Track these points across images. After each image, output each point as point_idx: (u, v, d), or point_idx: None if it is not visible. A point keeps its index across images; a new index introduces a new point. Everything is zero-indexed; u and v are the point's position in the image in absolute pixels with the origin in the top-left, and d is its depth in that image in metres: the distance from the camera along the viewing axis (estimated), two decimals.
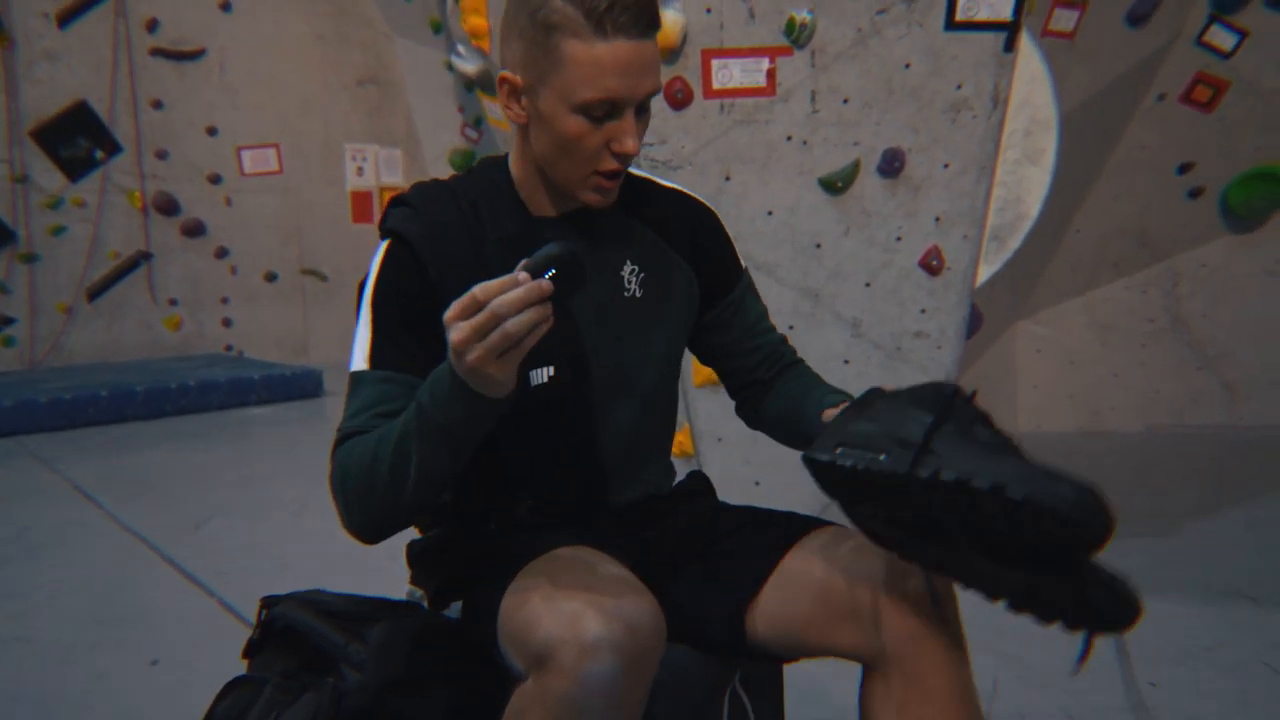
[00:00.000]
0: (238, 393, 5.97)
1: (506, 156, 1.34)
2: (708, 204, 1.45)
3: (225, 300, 7.45)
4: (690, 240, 1.40)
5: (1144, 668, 2.26)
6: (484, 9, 2.99)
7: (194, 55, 7.24)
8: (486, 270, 1.21)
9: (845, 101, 2.58)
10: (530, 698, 1.06)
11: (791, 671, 1.53)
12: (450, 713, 1.25)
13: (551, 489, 1.32)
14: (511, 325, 0.95)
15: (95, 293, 6.92)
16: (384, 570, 2.04)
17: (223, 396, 5.91)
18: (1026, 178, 2.68)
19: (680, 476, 1.50)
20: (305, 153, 7.69)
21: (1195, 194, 4.43)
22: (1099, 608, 1.00)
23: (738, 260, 1.46)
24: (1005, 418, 4.62)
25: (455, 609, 1.35)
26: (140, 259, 7.07)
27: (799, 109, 2.60)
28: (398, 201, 1.32)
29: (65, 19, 6.73)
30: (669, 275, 1.37)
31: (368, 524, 1.14)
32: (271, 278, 7.60)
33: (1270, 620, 2.52)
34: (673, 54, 2.55)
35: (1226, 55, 4.14)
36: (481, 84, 3.16)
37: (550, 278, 0.97)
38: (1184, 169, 4.37)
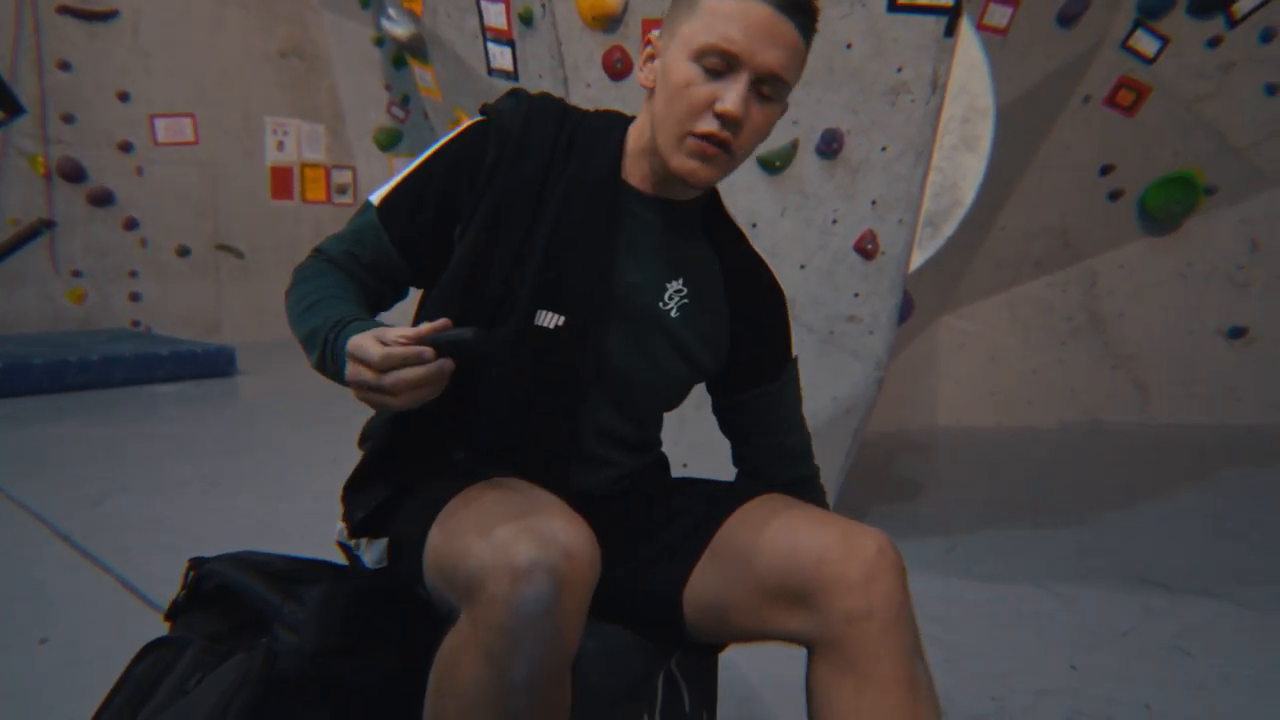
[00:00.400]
0: (144, 368, 5.73)
1: (633, 118, 1.32)
2: (780, 286, 1.40)
3: (134, 274, 7.16)
4: (748, 299, 1.35)
5: (1065, 652, 2.28)
6: None
7: (106, 16, 6.94)
8: (539, 195, 1.23)
9: None
10: (462, 636, 1.00)
11: (725, 653, 1.49)
12: (388, 679, 1.18)
13: (513, 441, 1.26)
14: (391, 387, 0.96)
15: None
16: (298, 546, 1.95)
17: (128, 372, 5.66)
18: (962, 164, 2.69)
19: None
20: (223, 124, 7.44)
21: (1115, 196, 4.53)
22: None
23: (789, 349, 1.41)
24: (927, 413, 4.67)
25: (378, 552, 1.26)
26: (42, 227, 6.75)
27: None
28: (516, 93, 1.31)
29: None
30: (711, 320, 1.33)
31: None
32: (184, 252, 7.33)
33: (1183, 606, 2.57)
34: (612, 22, 2.49)
35: (1149, 61, 4.23)
36: (412, 48, 3.06)
37: (456, 360, 0.98)
38: (1105, 171, 4.46)
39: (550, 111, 1.27)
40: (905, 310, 2.87)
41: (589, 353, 1.25)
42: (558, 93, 2.50)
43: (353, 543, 1.28)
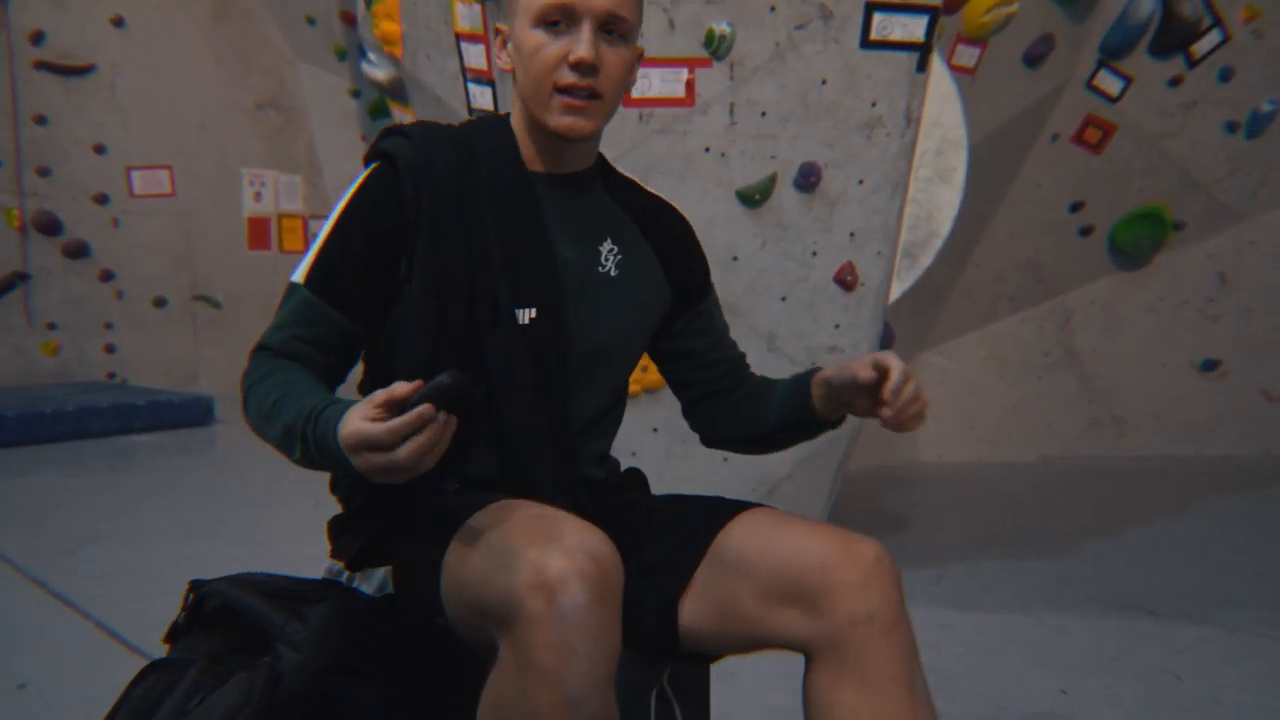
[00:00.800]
0: (120, 419, 5.67)
1: (509, 115, 1.35)
2: (684, 215, 1.47)
3: (109, 326, 7.10)
4: (666, 244, 1.41)
5: (1053, 677, 2.28)
6: (396, 14, 2.93)
7: (83, 71, 6.96)
8: (467, 209, 1.25)
9: (763, 114, 2.60)
10: (507, 668, 0.99)
11: (718, 670, 1.49)
12: (390, 700, 1.17)
13: (519, 450, 1.28)
14: (406, 461, 0.96)
15: None
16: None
17: (104, 423, 5.60)
18: (938, 196, 2.74)
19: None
20: (200, 176, 7.44)
21: (1086, 232, 4.61)
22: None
23: (708, 274, 1.47)
24: (908, 448, 4.69)
25: (376, 582, 1.25)
26: (16, 280, 6.71)
27: (717, 120, 2.60)
28: (393, 131, 1.31)
29: None
30: (644, 266, 1.38)
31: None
32: (161, 303, 7.29)
33: (1169, 631, 2.58)
34: None
35: (1114, 100, 4.33)
36: (392, 92, 3.09)
37: (450, 410, 0.98)
38: (1075, 207, 4.54)
39: (439, 132, 1.31)
40: (886, 341, 2.91)
41: (568, 335, 1.29)
42: None
43: (346, 575, 1.27)
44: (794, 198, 2.66)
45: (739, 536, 1.23)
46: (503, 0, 1.28)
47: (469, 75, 2.73)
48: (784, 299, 2.70)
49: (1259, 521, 3.73)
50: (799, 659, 1.19)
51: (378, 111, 7.27)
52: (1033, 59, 3.99)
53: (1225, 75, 4.36)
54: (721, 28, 2.54)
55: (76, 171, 6.91)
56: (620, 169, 1.44)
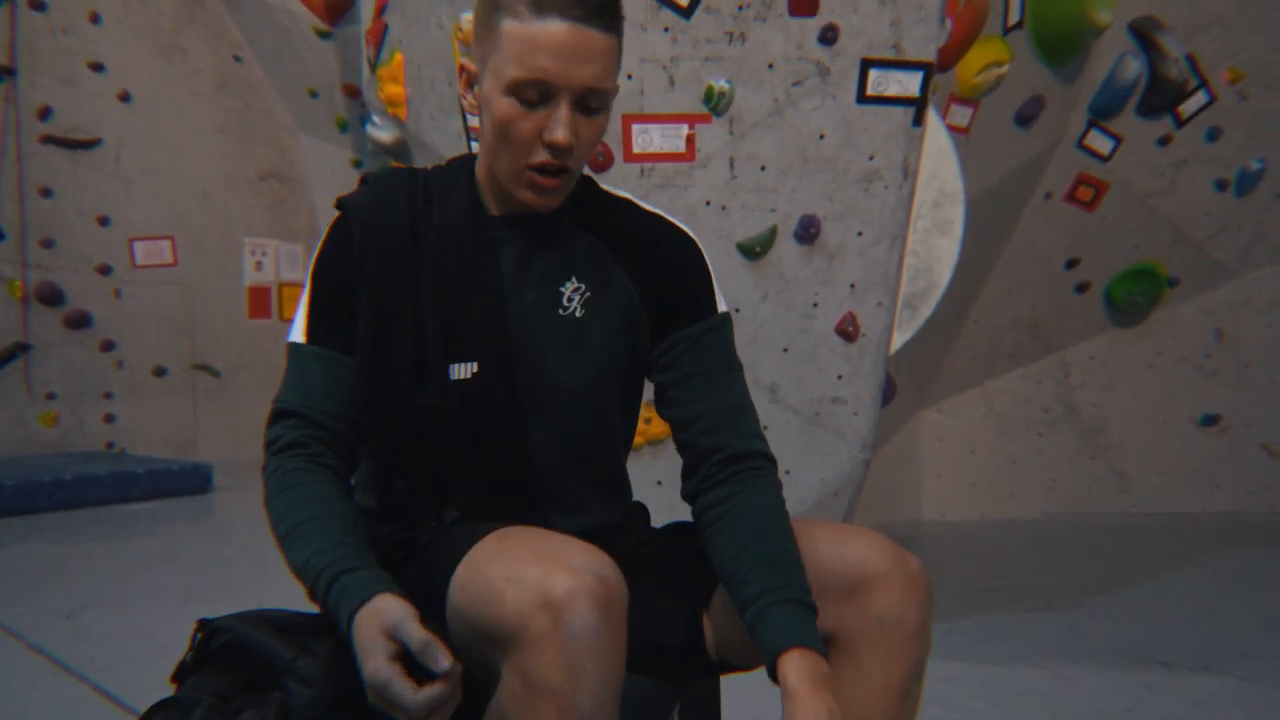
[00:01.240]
0: (119, 488, 5.64)
1: (475, 156, 1.33)
2: (688, 232, 1.34)
3: (109, 395, 7.11)
4: (647, 264, 1.29)
5: None
6: (401, 77, 2.99)
7: (89, 144, 7.07)
8: (413, 257, 1.24)
9: (763, 168, 2.64)
10: (511, 690, 0.98)
11: (729, 701, 1.47)
12: None
13: (482, 498, 1.25)
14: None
15: None
16: None
17: (102, 492, 5.57)
18: (936, 247, 2.77)
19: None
20: (202, 246, 7.52)
21: (1082, 289, 4.65)
22: None
23: (711, 298, 1.30)
24: (910, 506, 4.67)
25: None
26: (16, 350, 6.73)
27: (718, 175, 2.65)
28: (366, 178, 1.33)
29: None
30: (616, 300, 1.28)
31: None
32: (160, 373, 7.31)
33: (1184, 683, 2.54)
34: None
35: (1105, 159, 4.41)
36: (396, 153, 3.15)
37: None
38: (1070, 264, 4.59)
39: (399, 177, 1.30)
40: (888, 392, 2.92)
41: (510, 386, 1.24)
42: None
43: None
44: (794, 250, 2.69)
45: None
46: (477, 32, 1.22)
47: (473, 135, 2.78)
48: (786, 350, 2.72)
49: (1268, 576, 3.70)
50: None
51: (387, 154, 7.38)
52: (1024, 119, 4.06)
53: (1213, 135, 4.45)
54: (721, 85, 2.60)
55: (80, 243, 6.98)
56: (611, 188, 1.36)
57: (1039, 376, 4.75)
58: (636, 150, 2.60)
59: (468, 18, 2.67)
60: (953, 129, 3.66)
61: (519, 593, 0.98)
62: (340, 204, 1.27)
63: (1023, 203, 4.39)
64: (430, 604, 1.14)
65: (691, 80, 2.61)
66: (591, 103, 1.16)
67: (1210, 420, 4.75)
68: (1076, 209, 4.47)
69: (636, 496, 1.44)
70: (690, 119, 2.61)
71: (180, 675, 1.21)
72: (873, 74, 2.61)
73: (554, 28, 1.11)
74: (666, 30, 2.60)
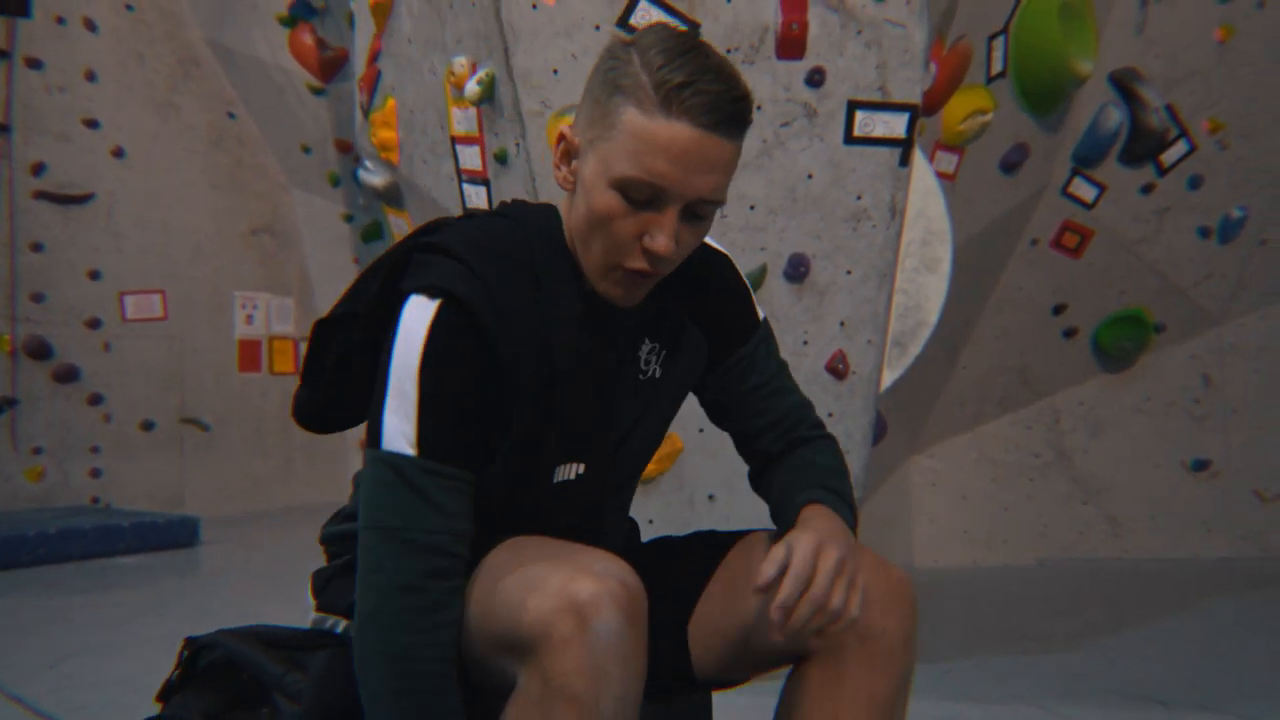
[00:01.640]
0: (104, 541, 5.58)
1: (555, 209, 1.21)
2: (720, 250, 1.33)
3: (95, 449, 7.05)
4: (701, 300, 1.28)
5: None
6: (394, 121, 3.03)
7: (81, 199, 7.11)
8: (549, 353, 1.12)
9: (752, 208, 2.67)
10: (530, 696, 0.97)
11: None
12: None
13: None
14: None
15: None
16: None
17: (88, 545, 5.50)
18: (925, 286, 2.80)
19: None
20: (193, 300, 7.53)
21: (1069, 334, 4.68)
22: None
23: (753, 310, 1.32)
24: (903, 553, 4.64)
25: None
26: (3, 405, 6.69)
27: None
28: (437, 249, 1.12)
29: None
30: (686, 350, 1.27)
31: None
32: (148, 426, 7.27)
33: None
34: None
35: (1089, 206, 4.46)
36: (388, 197, 3.18)
37: None
38: (1058, 310, 4.62)
39: (494, 251, 1.13)
40: (879, 430, 2.92)
41: (607, 480, 1.24)
42: None
43: (343, 625, 1.24)
44: (784, 288, 2.71)
45: (749, 550, 1.23)
46: (589, 110, 1.12)
47: (464, 176, 2.81)
48: None
49: (1264, 619, 3.68)
50: None
51: (370, 236, 7.43)
52: (1009, 166, 4.12)
53: (1195, 183, 4.51)
54: None
55: (70, 297, 6.97)
56: None
57: (1029, 422, 4.76)
58: None
59: (460, 62, 2.71)
60: (939, 175, 3.71)
61: (541, 599, 0.97)
62: (449, 296, 1.09)
63: (1009, 249, 4.44)
64: None
65: None
66: (701, 211, 1.10)
67: (1201, 465, 4.76)
68: (1062, 255, 4.51)
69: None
70: None
71: (166, 694, 1.19)
72: (859, 115, 2.65)
73: (681, 132, 1.03)
74: None
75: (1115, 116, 4.29)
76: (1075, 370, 4.74)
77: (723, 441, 2.71)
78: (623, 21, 2.54)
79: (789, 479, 1.27)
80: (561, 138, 1.15)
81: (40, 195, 6.90)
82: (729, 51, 2.62)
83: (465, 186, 2.81)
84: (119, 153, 7.18)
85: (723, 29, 2.61)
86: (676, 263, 1.12)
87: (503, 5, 2.52)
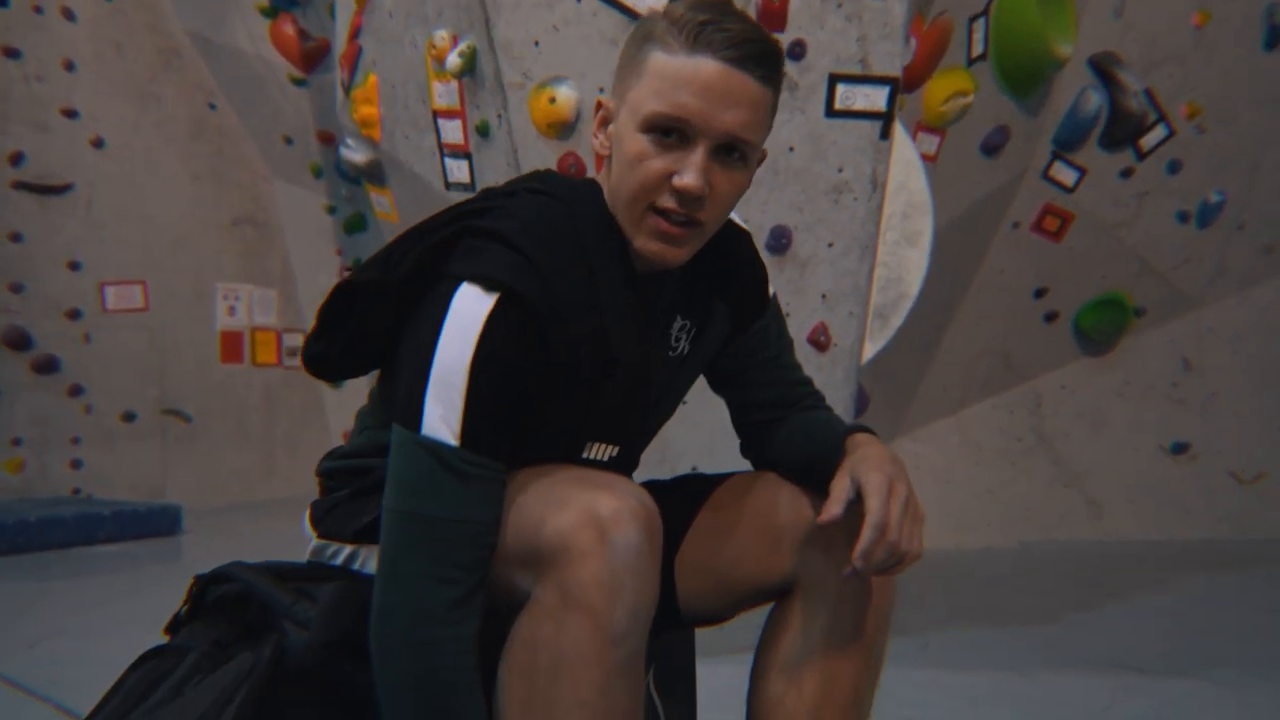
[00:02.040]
0: (84, 529, 5.54)
1: (597, 185, 1.19)
2: (739, 224, 1.34)
3: (76, 440, 7.00)
4: (725, 274, 1.29)
5: None
6: (374, 97, 3.03)
7: (61, 189, 7.06)
8: (605, 345, 1.11)
9: None
10: (546, 607, 0.98)
11: (702, 674, 1.46)
12: None
13: None
14: None
15: None
16: None
17: (67, 534, 5.46)
18: (906, 258, 2.81)
19: None
20: (174, 291, 7.48)
21: (1051, 318, 4.71)
22: None
23: (767, 284, 1.35)
24: None
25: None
26: None
27: None
28: (489, 234, 1.10)
29: None
30: (713, 325, 1.29)
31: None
32: (129, 418, 7.22)
33: (1158, 685, 2.55)
34: (566, 129, 2.61)
35: (1069, 190, 4.49)
36: (370, 174, 3.17)
37: None
38: (1039, 294, 4.65)
39: (547, 235, 1.11)
40: (861, 403, 2.93)
41: (634, 463, 1.27)
42: None
43: (345, 553, 1.24)
44: (766, 261, 2.71)
45: (738, 487, 1.24)
46: (620, 68, 1.14)
47: (446, 150, 2.81)
48: None
49: (1240, 595, 3.71)
50: None
51: (353, 227, 7.42)
52: (990, 149, 4.15)
53: (1174, 167, 4.55)
54: None
55: (49, 288, 6.91)
56: None
57: (1011, 406, 4.79)
58: None
59: (442, 35, 2.71)
60: (921, 157, 3.73)
61: (562, 514, 0.99)
62: (508, 292, 1.07)
63: (991, 232, 4.46)
64: None
65: None
66: (732, 152, 1.09)
67: (1180, 448, 4.80)
68: (1043, 239, 4.54)
69: None
70: None
71: (174, 627, 1.20)
72: (840, 88, 2.66)
73: (705, 65, 1.04)
74: None
75: (1095, 100, 4.32)
76: (1057, 354, 4.77)
77: (704, 412, 2.72)
78: None
79: (818, 420, 1.32)
80: (599, 106, 1.16)
81: (19, 185, 6.85)
82: None
83: (447, 160, 2.81)
84: (99, 143, 7.13)
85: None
86: (713, 214, 1.11)
87: None
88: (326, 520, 1.25)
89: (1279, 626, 3.22)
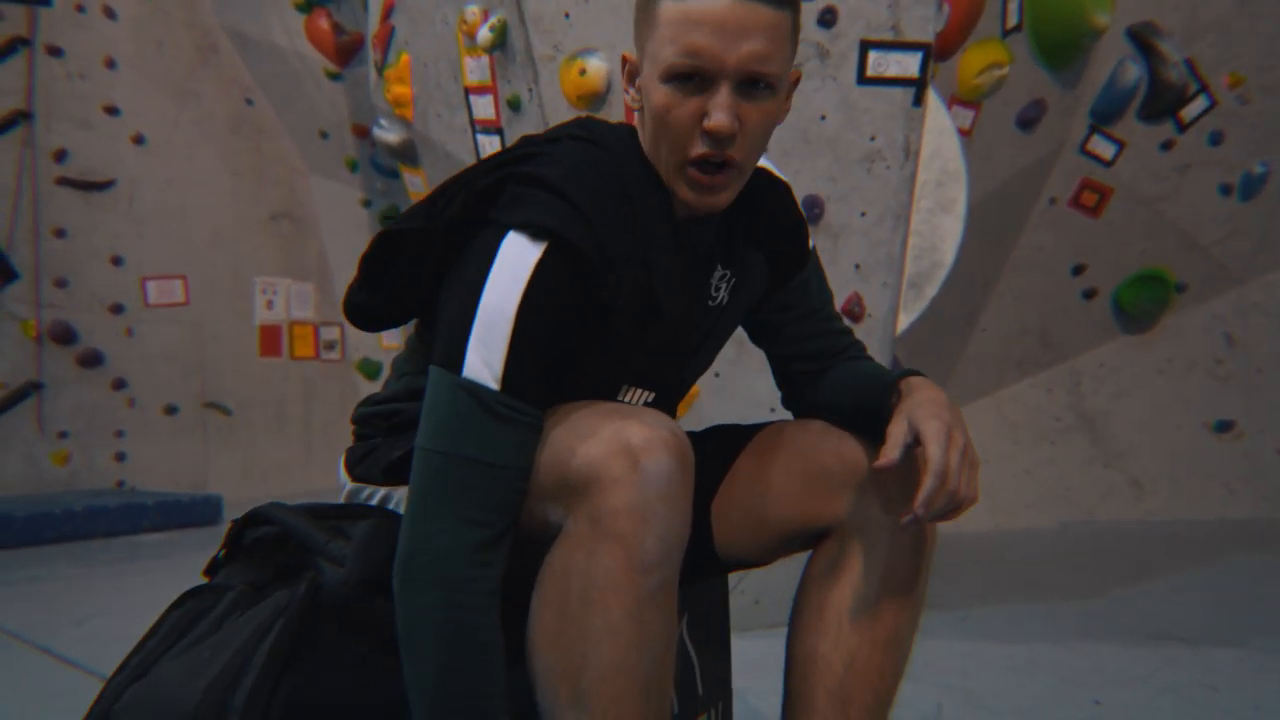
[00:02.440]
0: (128, 519, 5.64)
1: (634, 130, 1.19)
2: (780, 176, 1.34)
3: (120, 434, 7.12)
4: (766, 226, 1.29)
5: (1088, 691, 2.20)
6: (407, 77, 3.05)
7: (103, 186, 7.17)
8: (651, 293, 1.12)
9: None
10: (578, 536, 0.99)
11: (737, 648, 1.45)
12: None
13: None
14: None
15: None
16: None
17: (112, 523, 5.56)
18: (940, 226, 2.78)
19: None
20: (214, 285, 7.58)
21: (1089, 295, 4.65)
22: None
23: (807, 238, 1.34)
24: None
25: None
26: (29, 389, 6.76)
27: None
28: (535, 181, 1.09)
29: None
30: (752, 275, 1.29)
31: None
32: (171, 410, 7.33)
33: (1204, 654, 2.50)
34: (597, 100, 2.61)
35: (1108, 164, 4.43)
36: (403, 154, 3.19)
37: None
38: (1077, 271, 4.59)
39: (595, 186, 1.10)
40: None
41: (671, 410, 1.27)
42: None
43: (380, 494, 1.25)
44: None
45: (779, 431, 1.24)
46: (637, 21, 1.13)
47: (478, 127, 2.82)
48: None
49: None
50: None
51: (388, 218, 7.47)
52: (1026, 122, 4.10)
53: (1215, 139, 4.47)
54: None
55: (93, 282, 7.04)
56: None
57: (1050, 385, 4.73)
58: None
59: (472, 10, 2.73)
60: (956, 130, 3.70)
61: (593, 443, 0.99)
62: (557, 240, 1.07)
63: (1027, 208, 4.41)
64: None
65: None
66: (757, 82, 1.07)
67: (1224, 426, 4.72)
68: (1081, 215, 4.48)
69: None
70: None
71: (213, 569, 1.21)
72: (872, 55, 2.64)
73: (713, 3, 1.03)
74: None
75: (1133, 72, 4.25)
76: (1096, 332, 4.71)
77: (737, 384, 2.71)
78: None
79: (864, 367, 1.32)
80: (625, 61, 1.16)
81: (62, 181, 6.97)
82: None
83: (479, 137, 2.82)
84: (139, 139, 7.24)
85: None
86: (749, 150, 1.10)
87: None
88: (361, 465, 1.26)
89: None
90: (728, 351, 2.71)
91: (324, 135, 7.77)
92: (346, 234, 7.85)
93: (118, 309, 7.10)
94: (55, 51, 6.93)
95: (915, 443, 1.12)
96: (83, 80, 7.08)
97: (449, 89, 2.96)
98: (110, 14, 7.15)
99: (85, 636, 3.01)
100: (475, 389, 1.03)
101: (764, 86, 1.08)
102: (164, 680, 1.06)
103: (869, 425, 1.20)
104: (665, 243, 1.14)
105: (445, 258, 1.14)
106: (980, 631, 2.75)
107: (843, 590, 1.17)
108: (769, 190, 1.29)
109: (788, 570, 1.33)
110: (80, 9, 7.05)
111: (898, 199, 2.70)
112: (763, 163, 1.30)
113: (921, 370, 1.26)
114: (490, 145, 2.81)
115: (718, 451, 1.28)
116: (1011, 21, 3.80)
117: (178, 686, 1.04)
